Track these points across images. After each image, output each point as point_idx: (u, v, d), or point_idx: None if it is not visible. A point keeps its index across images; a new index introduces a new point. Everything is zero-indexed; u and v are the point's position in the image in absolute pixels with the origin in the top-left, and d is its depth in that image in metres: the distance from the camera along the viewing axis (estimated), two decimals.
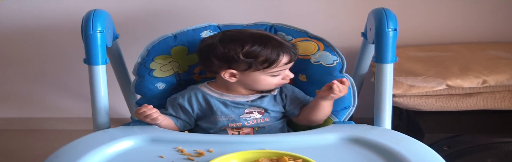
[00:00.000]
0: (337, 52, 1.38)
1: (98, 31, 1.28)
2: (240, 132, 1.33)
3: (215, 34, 1.34)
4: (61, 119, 2.16)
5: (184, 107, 1.34)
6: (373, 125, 1.31)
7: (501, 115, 1.62)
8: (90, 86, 1.31)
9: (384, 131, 1.26)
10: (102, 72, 1.31)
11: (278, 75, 1.30)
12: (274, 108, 1.34)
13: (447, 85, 1.57)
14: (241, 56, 1.24)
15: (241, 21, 1.47)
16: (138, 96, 1.47)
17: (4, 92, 2.11)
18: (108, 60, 1.32)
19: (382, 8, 1.31)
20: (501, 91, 1.61)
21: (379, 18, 1.28)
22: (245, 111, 1.32)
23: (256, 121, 1.33)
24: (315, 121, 1.35)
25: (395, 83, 1.57)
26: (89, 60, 1.30)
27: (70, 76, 2.04)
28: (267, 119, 1.34)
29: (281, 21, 1.44)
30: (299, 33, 1.40)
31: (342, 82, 1.25)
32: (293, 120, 1.38)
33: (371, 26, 1.33)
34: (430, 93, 1.60)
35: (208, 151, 1.14)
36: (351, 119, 1.39)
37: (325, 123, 1.36)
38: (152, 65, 1.39)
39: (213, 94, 1.34)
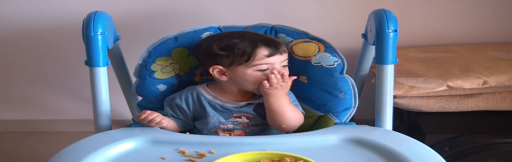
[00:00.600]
0: (338, 53, 1.38)
1: (99, 33, 1.29)
2: (231, 134, 1.34)
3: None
4: (62, 121, 2.17)
5: (182, 107, 1.34)
6: (374, 126, 1.31)
7: (502, 116, 1.62)
8: (92, 87, 1.31)
9: (385, 132, 1.26)
10: (103, 74, 1.31)
11: (265, 70, 1.28)
12: (261, 114, 1.33)
13: (448, 86, 1.57)
14: (218, 49, 1.26)
15: (242, 22, 1.47)
16: (140, 98, 1.47)
17: (5, 94, 2.12)
18: (109, 62, 1.32)
19: (382, 9, 1.32)
20: (502, 91, 1.61)
21: (380, 19, 1.28)
22: (233, 115, 1.33)
23: (247, 125, 1.33)
24: (279, 127, 1.29)
25: (396, 84, 1.57)
26: (90, 62, 1.30)
27: (71, 78, 2.04)
28: (259, 123, 1.34)
29: (281, 23, 1.44)
30: (299, 35, 1.40)
31: (282, 76, 1.25)
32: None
33: (372, 27, 1.33)
34: (431, 94, 1.60)
35: (210, 152, 1.14)
36: (352, 120, 1.39)
37: (326, 124, 1.37)
38: (153, 67, 1.39)
39: (207, 95, 1.34)
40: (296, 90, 1.40)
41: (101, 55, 1.30)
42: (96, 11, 1.33)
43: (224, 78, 1.30)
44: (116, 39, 1.46)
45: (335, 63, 1.37)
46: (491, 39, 1.89)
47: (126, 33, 1.69)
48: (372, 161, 1.11)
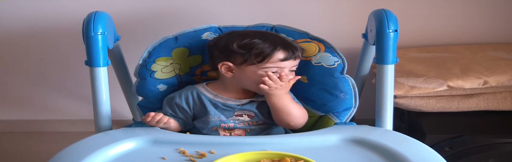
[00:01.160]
0: (338, 53, 1.38)
1: (99, 33, 1.28)
2: (232, 134, 1.34)
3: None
4: (62, 121, 2.17)
5: (182, 106, 1.34)
6: (374, 126, 1.31)
7: (502, 116, 1.62)
8: (92, 88, 1.31)
9: (386, 132, 1.26)
10: (103, 74, 1.31)
11: (273, 73, 1.28)
12: (264, 112, 1.33)
13: (448, 86, 1.57)
14: (236, 47, 1.26)
15: (242, 22, 1.47)
16: (140, 98, 1.47)
17: (5, 94, 2.11)
18: (109, 62, 1.32)
19: (383, 9, 1.32)
20: (502, 91, 1.61)
21: (380, 19, 1.28)
22: (235, 114, 1.33)
23: (248, 124, 1.33)
24: (287, 125, 1.31)
25: (396, 84, 1.57)
26: (91, 62, 1.30)
27: (71, 78, 2.04)
28: (260, 122, 1.34)
29: (282, 23, 1.44)
30: (300, 35, 1.40)
31: (280, 76, 1.25)
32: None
33: (372, 27, 1.33)
34: (431, 94, 1.60)
35: (210, 152, 1.14)
36: (352, 120, 1.39)
37: (327, 124, 1.37)
38: (154, 67, 1.39)
39: (207, 94, 1.34)
40: (297, 90, 1.39)
41: (101, 55, 1.30)
42: (96, 11, 1.33)
43: (229, 74, 1.30)
44: (116, 39, 1.46)
45: (336, 63, 1.37)
46: (491, 39, 1.89)
47: (126, 33, 1.69)
48: (372, 161, 1.11)
